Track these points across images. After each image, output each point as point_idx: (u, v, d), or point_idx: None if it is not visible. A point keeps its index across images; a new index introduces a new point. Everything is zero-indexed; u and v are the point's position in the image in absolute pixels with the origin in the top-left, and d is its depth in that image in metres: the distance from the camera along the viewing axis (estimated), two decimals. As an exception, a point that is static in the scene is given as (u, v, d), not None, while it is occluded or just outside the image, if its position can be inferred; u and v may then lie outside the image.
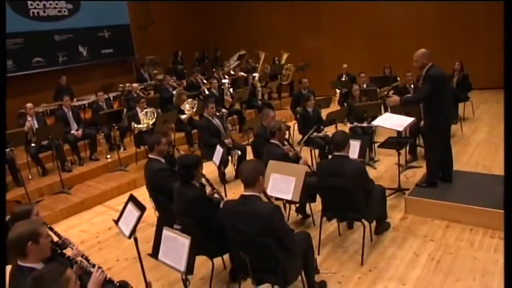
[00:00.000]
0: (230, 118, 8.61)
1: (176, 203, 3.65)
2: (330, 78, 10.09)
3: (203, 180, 3.78)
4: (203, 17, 14.63)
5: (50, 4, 10.33)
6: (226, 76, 10.51)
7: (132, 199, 3.60)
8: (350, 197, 3.76)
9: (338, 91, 9.38)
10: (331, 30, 12.57)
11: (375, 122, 5.18)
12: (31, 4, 10.00)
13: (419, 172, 5.92)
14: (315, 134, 6.25)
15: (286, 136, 5.16)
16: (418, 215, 4.70)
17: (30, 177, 6.79)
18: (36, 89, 9.55)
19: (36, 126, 6.93)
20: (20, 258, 2.39)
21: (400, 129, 5.00)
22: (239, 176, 2.99)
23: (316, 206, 4.81)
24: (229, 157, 6.22)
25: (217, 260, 3.86)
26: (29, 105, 6.97)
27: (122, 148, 7.80)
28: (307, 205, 4.81)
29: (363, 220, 3.93)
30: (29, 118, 6.91)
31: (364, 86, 8.06)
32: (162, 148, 4.39)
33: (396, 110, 5.70)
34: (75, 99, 9.16)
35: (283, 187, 3.80)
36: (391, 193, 5.23)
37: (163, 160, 4.40)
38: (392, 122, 5.14)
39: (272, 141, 4.65)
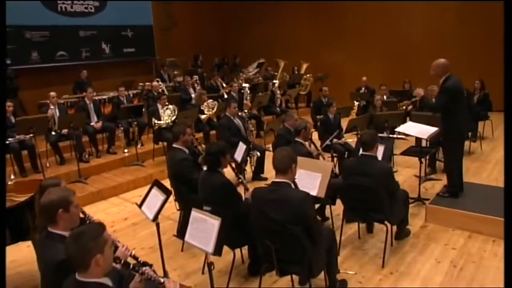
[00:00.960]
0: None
1: (201, 190, 3.64)
2: (348, 90, 10.09)
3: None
4: (224, 23, 14.81)
5: (78, 1, 10.57)
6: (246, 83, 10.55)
7: (157, 184, 3.61)
8: (375, 197, 3.73)
9: (356, 103, 9.36)
10: (351, 44, 12.63)
11: (399, 129, 5.16)
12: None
13: (438, 184, 5.86)
14: (335, 140, 6.24)
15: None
16: (439, 224, 4.63)
17: (48, 165, 6.83)
18: (58, 81, 9.68)
19: (58, 115, 7.01)
20: (50, 224, 2.40)
21: (425, 136, 4.98)
22: (272, 163, 2.97)
23: (335, 210, 4.77)
24: (248, 158, 6.22)
25: (228, 255, 3.82)
26: (52, 93, 7.06)
27: (140, 144, 7.85)
28: (327, 207, 4.78)
29: (385, 222, 3.89)
30: (51, 107, 6.99)
31: (384, 98, 8.06)
32: (187, 138, 4.40)
33: (418, 120, 5.68)
34: (94, 93, 9.24)
35: (308, 183, 3.77)
36: (411, 202, 5.17)
37: (187, 150, 4.41)
38: (416, 130, 5.12)
39: (297, 139, 4.64)
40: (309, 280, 3.02)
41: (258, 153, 6.34)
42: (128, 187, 6.55)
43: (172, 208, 4.59)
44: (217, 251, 2.59)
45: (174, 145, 4.44)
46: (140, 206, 3.63)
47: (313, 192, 3.73)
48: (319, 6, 12.98)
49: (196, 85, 9.65)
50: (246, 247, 3.78)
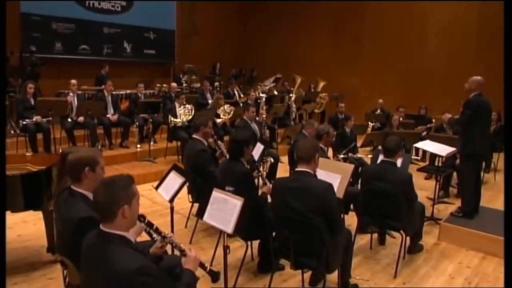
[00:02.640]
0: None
1: (220, 178, 3.60)
2: (362, 112, 10.10)
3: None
4: (245, 36, 15.01)
5: (106, -2, 10.81)
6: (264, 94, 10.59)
7: (176, 167, 3.61)
8: (393, 204, 3.67)
9: (371, 124, 9.36)
10: (369, 66, 12.73)
11: (417, 144, 5.14)
12: (89, -5, 10.51)
13: (451, 207, 5.76)
14: (350, 155, 6.20)
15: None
16: (452, 243, 4.54)
17: (60, 150, 6.82)
18: (77, 74, 9.68)
19: (76, 103, 7.06)
20: (74, 182, 2.38)
21: (443, 154, 4.94)
22: (295, 152, 2.95)
23: (346, 220, 4.70)
24: (261, 163, 6.18)
25: (240, 251, 3.77)
26: (73, 81, 7.14)
27: (153, 141, 7.85)
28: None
29: (401, 232, 3.81)
30: (71, 94, 7.05)
31: (401, 119, 8.05)
32: (207, 131, 4.40)
33: (436, 140, 5.65)
34: (113, 88, 9.32)
35: (327, 183, 3.74)
36: (425, 220, 5.09)
37: (206, 142, 4.40)
38: (434, 147, 5.10)
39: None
40: (324, 277, 2.95)
41: (272, 159, 6.29)
42: (137, 180, 6.35)
43: (182, 203, 4.58)
44: (237, 231, 2.54)
45: (194, 136, 4.44)
46: (156, 188, 3.62)
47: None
48: (340, 26, 13.15)
49: (215, 91, 9.72)
50: (256, 245, 3.73)
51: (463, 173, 4.93)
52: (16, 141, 6.67)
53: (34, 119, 6.31)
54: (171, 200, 3.32)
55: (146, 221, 2.11)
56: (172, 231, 3.67)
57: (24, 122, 6.28)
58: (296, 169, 2.95)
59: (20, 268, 3.65)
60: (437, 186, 5.30)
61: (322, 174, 3.83)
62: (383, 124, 8.81)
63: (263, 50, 14.50)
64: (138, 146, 7.59)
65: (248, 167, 3.58)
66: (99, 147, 7.13)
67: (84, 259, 1.90)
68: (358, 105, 11.54)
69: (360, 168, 6.13)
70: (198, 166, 4.19)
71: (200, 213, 2.78)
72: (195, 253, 2.13)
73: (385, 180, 3.68)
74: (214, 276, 2.26)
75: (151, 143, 7.68)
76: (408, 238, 4.09)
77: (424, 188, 6.41)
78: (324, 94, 11.60)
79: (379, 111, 10.02)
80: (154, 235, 2.25)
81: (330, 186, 2.81)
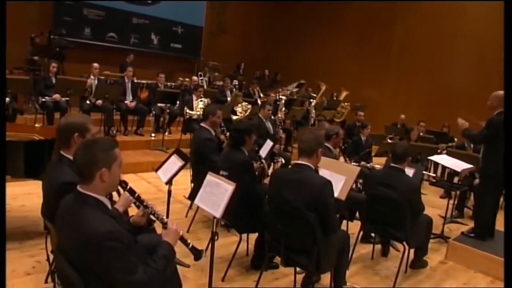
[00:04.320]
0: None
1: (220, 165, 3.53)
2: (383, 125, 9.88)
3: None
4: (272, 39, 14.98)
5: (138, -11, 10.98)
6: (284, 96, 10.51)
7: (178, 152, 3.56)
8: (397, 212, 3.51)
9: (389, 137, 9.13)
10: (394, 80, 12.48)
11: (432, 157, 4.94)
12: (122, -15, 10.72)
13: (463, 228, 5.49)
14: (363, 163, 6.03)
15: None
16: (460, 263, 4.32)
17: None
18: (102, 60, 9.79)
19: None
20: (63, 147, 2.36)
21: (458, 169, 4.73)
22: (298, 144, 2.84)
23: (350, 228, 4.53)
24: (272, 163, 6.09)
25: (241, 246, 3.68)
26: (95, 64, 7.23)
27: (168, 132, 7.86)
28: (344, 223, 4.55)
29: (403, 243, 3.64)
30: (92, 77, 7.13)
31: (421, 134, 7.82)
32: (216, 120, 4.35)
33: (454, 156, 5.43)
34: (135, 78, 9.42)
35: (330, 184, 3.62)
36: (433, 237, 4.87)
37: (213, 132, 4.35)
38: (450, 162, 4.89)
39: (326, 144, 4.47)
40: (314, 277, 2.82)
41: (283, 160, 6.19)
42: (147, 167, 6.49)
43: (185, 192, 4.52)
44: (225, 216, 2.45)
45: (202, 124, 4.39)
46: (156, 170, 3.58)
47: (334, 194, 3.56)
48: (369, 37, 12.96)
49: (234, 89, 9.70)
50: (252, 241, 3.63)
51: (481, 194, 4.67)
52: (34, 118, 6.79)
53: (53, 97, 6.40)
54: (168, 182, 3.26)
55: (128, 187, 2.05)
56: (167, 215, 3.63)
57: (43, 99, 6.38)
58: (297, 161, 2.85)
59: (15, 235, 3.68)
60: (449, 202, 5.09)
61: (326, 174, 3.68)
62: (402, 139, 8.58)
63: (289, 54, 14.42)
64: (153, 135, 7.62)
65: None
66: (114, 132, 7.19)
67: (59, 219, 1.86)
68: (379, 119, 11.28)
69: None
70: (202, 154, 4.14)
71: (192, 196, 2.71)
72: (176, 227, 2.05)
73: (391, 186, 3.53)
74: (197, 254, 2.19)
75: (166, 133, 7.69)
76: (412, 252, 3.91)
77: (437, 206, 6.18)
78: (346, 103, 11.42)
79: (400, 126, 9.78)
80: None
81: (328, 182, 2.69)
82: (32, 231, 3.80)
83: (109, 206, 1.88)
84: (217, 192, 2.57)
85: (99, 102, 6.91)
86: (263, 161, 3.64)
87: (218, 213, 2.48)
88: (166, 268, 1.91)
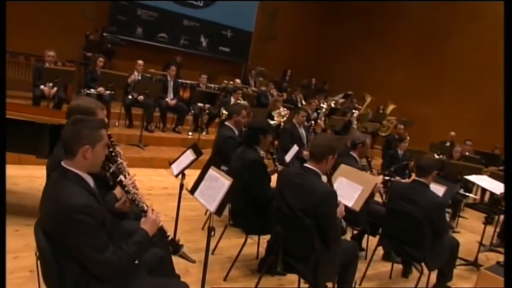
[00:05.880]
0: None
1: (233, 163, 3.49)
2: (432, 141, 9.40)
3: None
4: (322, 48, 14.81)
5: (191, -8, 11.31)
6: (325, 104, 10.32)
7: (193, 146, 3.57)
8: (416, 229, 3.28)
9: (435, 155, 8.65)
10: (446, 97, 11.86)
11: (470, 177, 4.58)
12: (176, -13, 11.10)
13: (502, 258, 5.07)
14: (397, 178, 5.75)
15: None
16: (489, 294, 3.95)
17: (117, 124, 7.20)
18: (151, 59, 10.21)
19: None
20: None
21: (497, 192, 4.35)
22: (309, 147, 2.74)
23: (372, 244, 4.32)
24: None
25: (251, 247, 3.61)
26: (139, 61, 7.51)
27: (205, 132, 7.94)
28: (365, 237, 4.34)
29: (422, 264, 3.39)
30: (135, 73, 7.39)
31: (467, 153, 7.34)
32: (240, 120, 4.33)
33: (497, 179, 5.02)
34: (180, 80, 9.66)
35: (346, 193, 3.44)
36: (464, 263, 4.54)
37: (236, 131, 4.32)
38: (488, 184, 4.52)
39: (351, 153, 4.30)
40: None
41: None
42: None
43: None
44: (219, 212, 2.40)
45: (226, 123, 4.39)
46: (171, 164, 3.61)
47: (349, 203, 3.39)
48: (423, 51, 12.42)
49: (276, 94, 9.66)
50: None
51: None
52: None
53: (97, 90, 6.70)
54: (177, 175, 3.27)
55: (111, 171, 2.06)
56: (178, 210, 3.64)
57: (88, 91, 6.69)
58: (304, 164, 2.74)
59: (29, 213, 3.83)
60: (485, 227, 4.70)
61: (343, 183, 3.55)
62: (448, 157, 8.10)
63: (338, 64, 14.17)
64: (190, 133, 7.74)
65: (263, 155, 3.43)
66: (153, 127, 7.39)
67: (43, 192, 1.91)
68: (427, 135, 10.75)
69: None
70: (221, 152, 4.13)
71: (193, 190, 2.68)
72: (156, 216, 2.03)
73: (411, 201, 3.30)
74: (174, 247, 2.15)
75: (203, 133, 7.78)
76: (433, 275, 3.64)
77: (478, 232, 5.73)
78: (392, 117, 11.01)
79: (448, 143, 9.24)
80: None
81: (331, 192, 2.56)
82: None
83: (91, 183, 1.90)
84: (215, 187, 2.52)
85: (141, 97, 7.13)
86: (277, 164, 3.55)
87: (212, 207, 2.43)
88: (137, 253, 1.90)
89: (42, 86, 6.20)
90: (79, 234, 1.70)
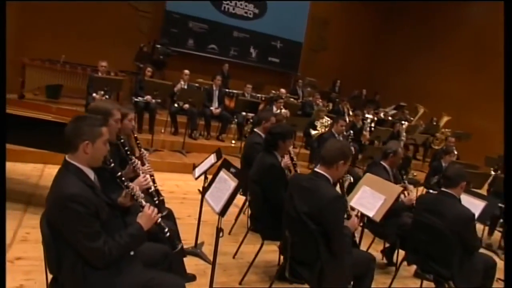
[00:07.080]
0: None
1: (253, 170, 3.52)
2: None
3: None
4: (374, 58, 14.45)
5: (241, 5, 11.64)
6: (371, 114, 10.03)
7: (217, 150, 3.65)
8: (442, 244, 3.09)
9: (493, 173, 8.02)
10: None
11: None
12: (226, 0, 11.45)
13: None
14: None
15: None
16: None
17: (162, 131, 7.51)
18: (201, 70, 10.61)
19: (183, 90, 7.68)
20: None
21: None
22: (322, 150, 2.70)
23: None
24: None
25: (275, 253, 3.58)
26: (186, 71, 7.81)
27: (248, 140, 8.05)
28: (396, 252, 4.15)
29: (450, 283, 3.18)
30: (182, 82, 7.69)
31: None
32: (268, 127, 4.34)
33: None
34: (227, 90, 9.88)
35: (368, 202, 3.37)
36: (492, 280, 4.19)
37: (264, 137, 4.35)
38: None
39: (382, 162, 4.16)
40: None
41: (351, 179, 5.87)
42: (211, 170, 6.72)
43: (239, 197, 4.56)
44: (222, 213, 2.44)
45: (255, 129, 4.44)
46: (194, 167, 3.71)
47: (370, 213, 3.31)
48: (482, 62, 11.67)
49: (321, 104, 9.56)
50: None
51: None
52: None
53: (145, 98, 7.05)
54: (197, 178, 3.36)
55: (112, 166, 2.16)
56: (200, 211, 3.71)
57: (136, 100, 7.06)
58: (315, 169, 2.71)
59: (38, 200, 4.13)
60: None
61: (367, 191, 3.49)
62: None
63: (390, 75, 13.74)
64: (233, 142, 7.87)
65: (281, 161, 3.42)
66: (197, 135, 7.62)
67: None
68: (485, 150, 10.04)
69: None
70: (248, 157, 4.17)
71: (205, 191, 2.74)
72: (152, 212, 2.11)
73: (437, 213, 3.12)
74: (173, 244, 2.20)
75: (246, 142, 7.88)
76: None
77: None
78: (447, 130, 10.45)
79: (507, 158, 8.58)
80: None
81: (339, 198, 2.50)
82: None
83: (92, 176, 2.03)
84: (223, 188, 2.57)
85: (186, 106, 7.39)
86: (297, 169, 3.52)
87: (217, 208, 2.47)
88: (129, 245, 1.98)
89: (94, 94, 6.65)
90: (72, 222, 1.83)
